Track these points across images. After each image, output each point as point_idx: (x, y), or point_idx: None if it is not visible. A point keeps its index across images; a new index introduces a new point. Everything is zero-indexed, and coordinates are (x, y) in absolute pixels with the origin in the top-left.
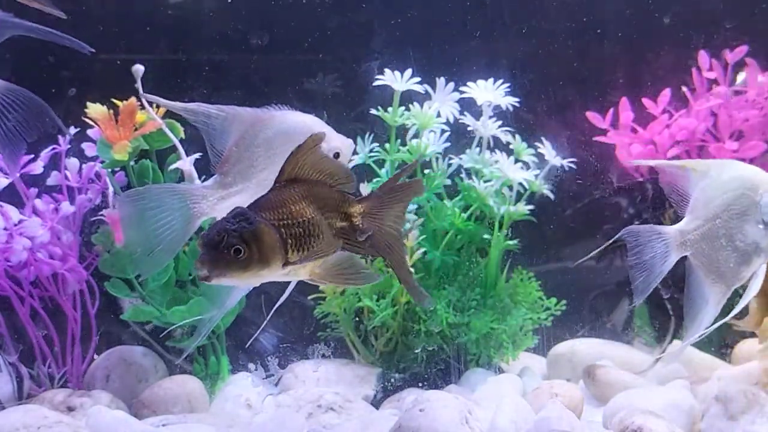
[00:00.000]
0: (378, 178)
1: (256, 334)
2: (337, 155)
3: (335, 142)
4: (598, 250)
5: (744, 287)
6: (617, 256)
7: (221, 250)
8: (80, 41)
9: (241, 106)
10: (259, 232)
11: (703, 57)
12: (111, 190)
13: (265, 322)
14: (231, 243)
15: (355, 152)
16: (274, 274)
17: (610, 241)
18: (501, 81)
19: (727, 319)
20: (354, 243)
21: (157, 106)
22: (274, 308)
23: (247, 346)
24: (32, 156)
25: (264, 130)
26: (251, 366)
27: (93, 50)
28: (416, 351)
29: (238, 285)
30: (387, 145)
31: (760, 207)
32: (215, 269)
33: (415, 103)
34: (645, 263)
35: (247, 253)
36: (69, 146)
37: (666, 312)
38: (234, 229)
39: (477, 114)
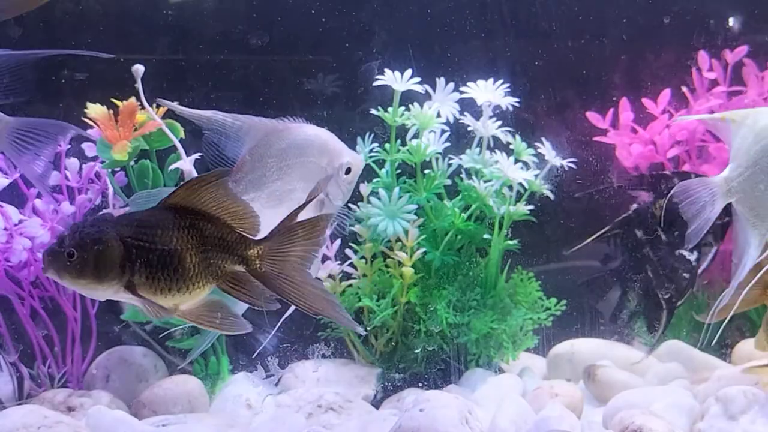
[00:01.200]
0: (378, 179)
1: (262, 344)
2: (348, 170)
3: (346, 157)
4: (595, 237)
5: None
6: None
7: (59, 250)
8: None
9: (256, 116)
10: (98, 243)
11: (703, 57)
12: (111, 190)
13: (271, 333)
14: (67, 245)
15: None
16: (118, 294)
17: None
18: (501, 81)
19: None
20: (246, 289)
21: (157, 106)
22: (281, 320)
23: (254, 355)
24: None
25: (278, 141)
26: (251, 367)
27: (111, 55)
28: (416, 351)
29: (79, 291)
30: (387, 145)
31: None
32: (50, 267)
33: (415, 103)
34: (695, 212)
35: (80, 259)
36: (69, 146)
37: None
38: (77, 232)
39: (477, 114)
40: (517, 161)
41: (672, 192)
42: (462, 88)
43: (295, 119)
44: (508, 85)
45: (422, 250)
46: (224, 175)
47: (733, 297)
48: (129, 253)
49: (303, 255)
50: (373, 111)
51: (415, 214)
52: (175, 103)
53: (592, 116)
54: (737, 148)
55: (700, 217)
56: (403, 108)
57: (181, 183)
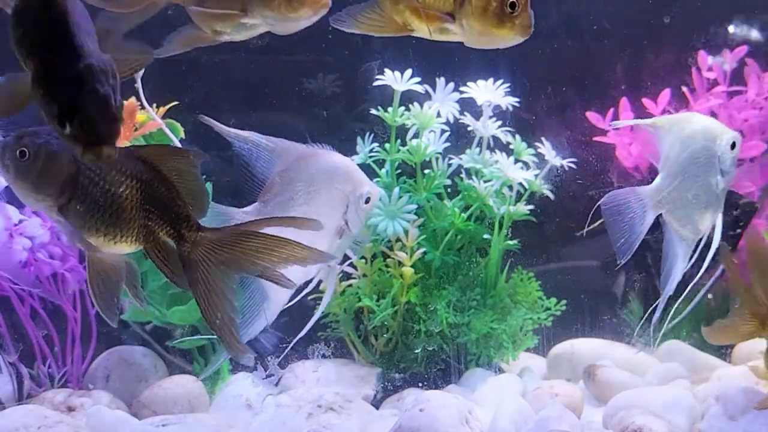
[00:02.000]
0: (378, 179)
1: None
2: (368, 200)
3: (366, 187)
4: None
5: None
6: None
7: (14, 145)
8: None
9: (290, 140)
10: (52, 155)
11: (703, 57)
12: None
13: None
14: (24, 143)
15: (355, 152)
16: (50, 211)
17: (596, 223)
18: (501, 81)
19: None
20: (168, 264)
21: (158, 106)
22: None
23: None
24: None
25: (308, 166)
26: (251, 367)
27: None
28: (416, 351)
29: (15, 191)
30: (387, 145)
31: (719, 157)
32: (2, 159)
33: (415, 103)
34: (625, 225)
35: (28, 162)
36: None
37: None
38: (39, 137)
39: (477, 114)
40: (517, 161)
41: (600, 203)
42: (462, 88)
43: (323, 146)
44: (508, 85)
45: (422, 250)
46: (200, 156)
47: (728, 326)
48: (76, 177)
49: (239, 267)
50: (373, 111)
51: (415, 214)
52: (175, 103)
53: (592, 116)
54: (666, 157)
55: (633, 231)
56: (403, 108)
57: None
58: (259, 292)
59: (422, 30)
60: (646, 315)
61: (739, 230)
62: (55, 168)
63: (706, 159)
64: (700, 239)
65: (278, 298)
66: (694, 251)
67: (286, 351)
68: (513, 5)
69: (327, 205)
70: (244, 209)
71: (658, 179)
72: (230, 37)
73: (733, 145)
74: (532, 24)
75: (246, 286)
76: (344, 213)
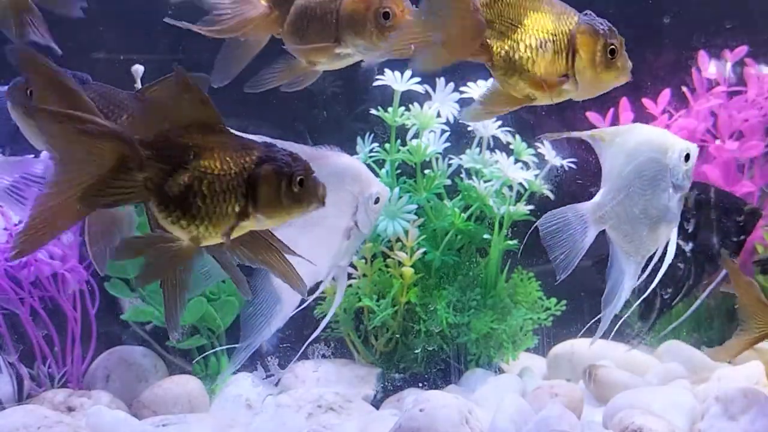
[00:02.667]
0: (378, 179)
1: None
2: (377, 200)
3: (375, 187)
4: None
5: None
6: None
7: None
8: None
9: (298, 143)
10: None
11: (703, 57)
12: None
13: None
14: None
15: (355, 152)
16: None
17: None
18: None
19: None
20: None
21: None
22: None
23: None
24: (32, 156)
25: (317, 169)
26: (251, 367)
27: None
28: (416, 351)
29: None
30: (387, 145)
31: (670, 170)
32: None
33: (415, 103)
34: (565, 242)
35: None
36: None
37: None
38: None
39: None
40: (517, 161)
41: (537, 223)
42: (462, 88)
43: (331, 147)
44: None
45: (422, 250)
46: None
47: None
48: None
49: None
50: (373, 111)
51: (415, 214)
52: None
53: (592, 116)
54: (608, 170)
55: (573, 248)
56: (403, 108)
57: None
58: (272, 295)
59: (544, 98)
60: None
61: (743, 237)
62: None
63: (655, 172)
64: (654, 254)
65: (290, 301)
66: (646, 266)
67: (298, 353)
68: (613, 51)
69: (334, 206)
70: None
71: (599, 195)
72: (325, 66)
73: (687, 157)
74: (630, 65)
75: (259, 290)
76: (354, 214)
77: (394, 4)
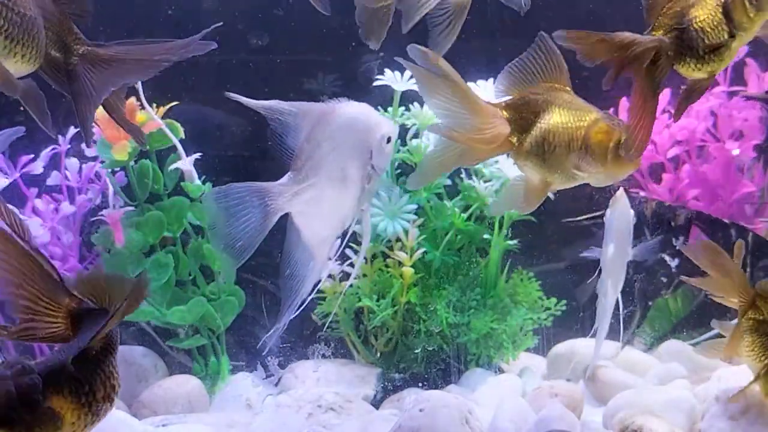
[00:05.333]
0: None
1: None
2: (388, 140)
3: (385, 128)
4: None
5: None
6: None
7: None
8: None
9: (311, 102)
10: None
11: None
12: (111, 190)
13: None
14: None
15: None
16: None
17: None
18: None
19: None
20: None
21: (158, 106)
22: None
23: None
24: (32, 156)
25: (329, 125)
26: (251, 367)
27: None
28: (416, 351)
29: None
30: None
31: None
32: None
33: (415, 103)
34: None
35: None
36: (69, 146)
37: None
38: None
39: None
40: None
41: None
42: None
43: (338, 99)
44: None
45: (422, 250)
46: None
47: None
48: None
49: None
50: None
51: (415, 214)
52: (175, 103)
53: None
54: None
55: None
56: (403, 108)
57: None
58: (304, 253)
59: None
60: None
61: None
62: None
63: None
64: None
65: (322, 255)
66: None
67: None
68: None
69: (353, 157)
70: (280, 181)
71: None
72: (558, 187)
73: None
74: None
75: (291, 252)
76: (369, 158)
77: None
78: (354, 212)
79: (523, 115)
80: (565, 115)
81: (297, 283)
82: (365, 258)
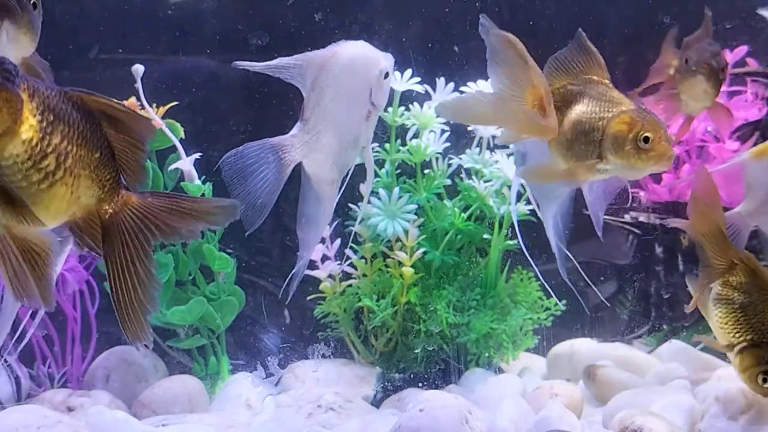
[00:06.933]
0: (378, 179)
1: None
2: (386, 75)
3: (382, 64)
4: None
5: None
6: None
7: None
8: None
9: (313, 51)
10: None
11: None
12: None
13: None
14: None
15: None
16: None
17: None
18: None
19: None
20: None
21: (158, 106)
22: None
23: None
24: None
25: (331, 70)
26: (251, 367)
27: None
28: (416, 351)
29: None
30: (387, 145)
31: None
32: None
33: (415, 103)
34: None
35: None
36: None
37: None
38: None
39: None
40: None
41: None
42: (462, 88)
43: (336, 43)
44: None
45: (422, 250)
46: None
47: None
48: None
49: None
50: None
51: (415, 214)
52: (174, 103)
53: None
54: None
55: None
56: (403, 108)
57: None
58: (316, 199)
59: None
60: None
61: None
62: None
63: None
64: None
65: (330, 197)
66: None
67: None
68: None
69: (355, 98)
70: (291, 132)
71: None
72: (584, 179)
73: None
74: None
75: (305, 199)
76: (369, 96)
77: (653, 130)
78: (357, 151)
79: (558, 105)
80: (594, 105)
81: (312, 227)
82: (365, 258)
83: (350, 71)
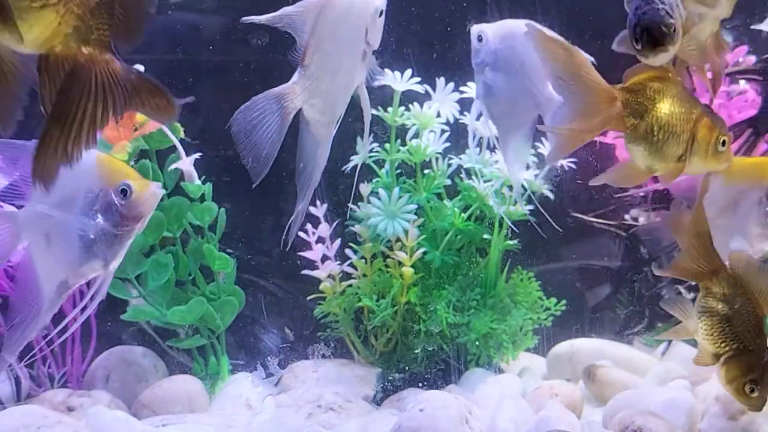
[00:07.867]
0: (378, 179)
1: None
2: (381, 13)
3: (377, 2)
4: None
5: None
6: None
7: None
8: None
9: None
10: None
11: None
12: None
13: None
14: None
15: (354, 152)
16: None
17: None
18: None
19: None
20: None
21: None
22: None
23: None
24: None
25: (327, 15)
26: (251, 367)
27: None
28: (416, 351)
29: None
30: (387, 145)
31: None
32: None
33: (415, 103)
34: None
35: None
36: None
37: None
38: None
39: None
40: None
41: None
42: (462, 88)
43: None
44: None
45: (422, 250)
46: None
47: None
48: None
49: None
50: (373, 111)
51: (415, 214)
52: (189, 98)
53: None
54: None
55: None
56: (403, 108)
57: None
58: (313, 142)
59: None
60: None
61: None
62: None
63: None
64: None
65: (326, 139)
66: None
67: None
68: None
69: (352, 42)
70: (292, 80)
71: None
72: (659, 173)
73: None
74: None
75: (302, 144)
76: (365, 37)
77: (727, 134)
78: (351, 91)
79: (639, 100)
80: (678, 106)
81: (311, 171)
82: (365, 258)
83: (347, 16)
